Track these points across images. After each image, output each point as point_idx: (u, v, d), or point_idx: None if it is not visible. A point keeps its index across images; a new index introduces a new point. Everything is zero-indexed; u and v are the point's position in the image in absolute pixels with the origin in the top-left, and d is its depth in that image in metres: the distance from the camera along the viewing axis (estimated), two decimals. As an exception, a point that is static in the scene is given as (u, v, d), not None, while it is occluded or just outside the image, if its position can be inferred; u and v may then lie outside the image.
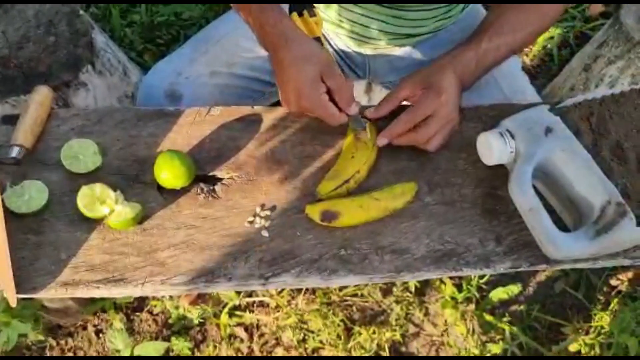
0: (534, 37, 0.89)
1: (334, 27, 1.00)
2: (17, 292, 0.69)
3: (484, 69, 0.82)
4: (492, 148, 0.77)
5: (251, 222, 0.76)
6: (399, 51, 1.03)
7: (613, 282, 1.42)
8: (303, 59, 0.74)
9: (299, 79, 0.74)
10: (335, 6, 0.95)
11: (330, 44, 1.04)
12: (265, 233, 0.76)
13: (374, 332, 1.33)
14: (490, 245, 0.77)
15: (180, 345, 1.31)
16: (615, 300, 1.37)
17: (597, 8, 1.82)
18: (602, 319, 1.34)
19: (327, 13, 0.98)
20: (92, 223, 0.75)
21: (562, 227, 0.76)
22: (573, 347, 1.31)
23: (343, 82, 0.77)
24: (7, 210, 0.73)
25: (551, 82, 1.67)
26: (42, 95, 0.82)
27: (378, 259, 0.75)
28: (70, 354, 1.31)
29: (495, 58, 0.82)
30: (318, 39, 0.80)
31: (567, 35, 1.78)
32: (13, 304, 0.69)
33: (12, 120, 0.81)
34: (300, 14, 0.79)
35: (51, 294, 0.71)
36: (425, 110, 0.77)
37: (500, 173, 0.80)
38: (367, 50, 1.03)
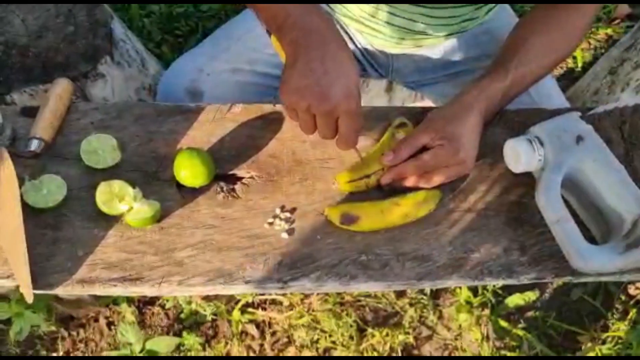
0: (558, 63, 0.85)
1: (358, 25, 0.98)
2: (34, 288, 0.69)
3: (509, 100, 0.79)
4: (519, 155, 0.75)
5: (271, 224, 0.75)
6: (423, 51, 1.01)
7: (632, 291, 1.39)
8: (353, 61, 0.68)
9: (354, 77, 0.67)
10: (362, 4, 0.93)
11: (353, 42, 1.02)
12: (284, 235, 0.74)
13: (387, 334, 1.32)
14: (514, 255, 0.75)
15: (192, 341, 1.30)
16: (634, 310, 1.34)
17: (624, 10, 1.78)
18: (620, 329, 1.32)
19: (351, 11, 0.96)
20: (109, 220, 0.74)
21: (589, 238, 0.74)
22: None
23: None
24: (24, 205, 0.72)
25: (574, 84, 1.63)
26: (62, 87, 0.81)
27: (399, 265, 0.73)
28: (82, 345, 1.31)
29: (520, 88, 0.79)
30: None
31: (592, 37, 1.75)
32: (29, 300, 0.68)
33: (31, 112, 0.80)
34: None
35: (67, 291, 0.71)
36: (438, 164, 0.74)
37: (527, 181, 0.78)
38: (390, 49, 1.01)
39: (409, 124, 0.80)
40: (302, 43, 0.66)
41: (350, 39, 1.02)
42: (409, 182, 0.76)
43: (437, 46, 1.01)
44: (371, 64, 1.06)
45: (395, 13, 0.91)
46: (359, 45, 1.03)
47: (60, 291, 0.70)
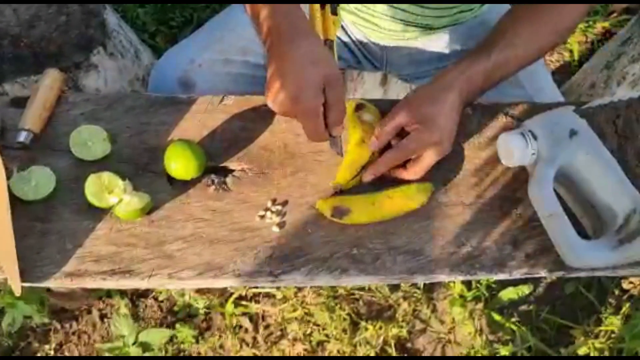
0: (544, 53, 0.84)
1: (352, 17, 0.97)
2: (22, 281, 0.68)
3: (491, 85, 0.78)
4: (512, 149, 0.74)
5: (262, 217, 0.74)
6: (418, 43, 1.00)
7: (625, 285, 1.39)
8: (310, 60, 0.66)
9: (301, 81, 0.65)
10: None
11: (348, 34, 1.01)
12: (275, 229, 0.74)
13: (380, 328, 1.32)
14: (506, 249, 0.75)
15: (185, 333, 1.30)
16: (627, 304, 1.35)
17: (621, 4, 1.78)
18: (613, 323, 1.32)
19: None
20: (99, 212, 0.73)
21: (582, 233, 0.73)
22: (582, 351, 1.29)
23: (343, 98, 0.69)
24: (13, 197, 0.71)
25: (570, 78, 1.63)
26: (52, 78, 0.80)
27: (391, 259, 0.73)
28: (74, 338, 1.31)
29: (503, 73, 0.77)
30: (330, 43, 0.73)
31: (588, 31, 1.74)
32: (17, 292, 0.68)
33: (21, 102, 0.79)
34: (323, 7, 0.74)
35: (57, 284, 0.70)
36: (416, 148, 0.73)
37: (520, 175, 0.78)
38: (385, 41, 1.00)
39: (367, 104, 0.79)
40: (275, 49, 0.68)
41: (345, 31, 1.01)
42: (393, 173, 0.75)
43: (433, 38, 1.00)
44: (366, 56, 1.05)
45: (392, 5, 0.91)
46: (354, 37, 1.02)
47: (50, 284, 0.70)
